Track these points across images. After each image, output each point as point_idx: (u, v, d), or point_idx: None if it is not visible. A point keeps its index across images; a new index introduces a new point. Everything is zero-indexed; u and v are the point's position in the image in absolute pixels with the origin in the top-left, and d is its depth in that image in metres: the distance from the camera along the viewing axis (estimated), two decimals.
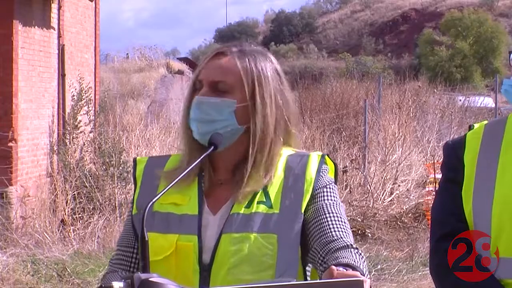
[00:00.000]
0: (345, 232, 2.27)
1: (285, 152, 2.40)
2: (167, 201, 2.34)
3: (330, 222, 2.27)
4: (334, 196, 2.34)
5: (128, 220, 2.43)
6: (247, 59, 2.36)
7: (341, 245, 2.21)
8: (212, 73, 2.33)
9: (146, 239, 2.01)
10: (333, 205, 2.32)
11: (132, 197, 2.45)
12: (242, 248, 2.25)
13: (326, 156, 2.41)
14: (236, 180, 2.34)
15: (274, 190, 2.33)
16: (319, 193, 2.33)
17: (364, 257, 2.21)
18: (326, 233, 2.25)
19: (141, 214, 2.29)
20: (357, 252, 2.19)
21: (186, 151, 2.38)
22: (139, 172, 2.45)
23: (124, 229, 2.45)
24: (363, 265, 2.14)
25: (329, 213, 2.29)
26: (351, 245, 2.22)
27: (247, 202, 2.31)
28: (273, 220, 2.28)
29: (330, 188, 2.35)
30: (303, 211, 2.30)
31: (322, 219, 2.28)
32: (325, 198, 2.33)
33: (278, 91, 2.38)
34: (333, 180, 2.39)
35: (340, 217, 2.30)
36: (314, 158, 2.38)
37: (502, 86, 2.50)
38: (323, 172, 2.37)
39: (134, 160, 2.49)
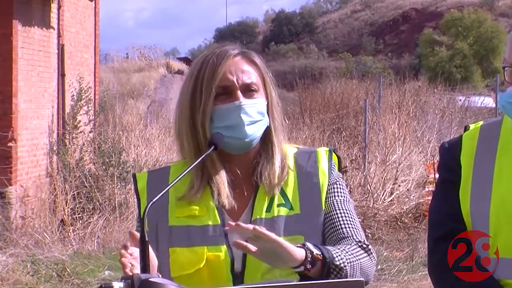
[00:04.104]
0: (356, 229, 2.30)
1: (289, 149, 2.40)
2: (182, 214, 2.30)
3: (341, 219, 2.30)
4: (344, 192, 2.36)
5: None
6: (257, 57, 2.37)
7: (352, 242, 2.25)
8: (241, 76, 2.30)
9: (147, 239, 2.00)
10: (344, 202, 2.35)
11: (138, 214, 2.38)
12: None
13: (333, 151, 2.43)
14: (254, 182, 2.33)
15: (290, 190, 2.33)
16: (330, 189, 2.35)
17: (368, 254, 2.23)
18: (338, 230, 2.28)
19: (153, 230, 2.28)
20: (361, 246, 2.23)
21: (193, 160, 2.27)
22: (142, 188, 2.38)
23: None
24: (349, 257, 2.16)
25: (340, 209, 2.32)
26: (362, 241, 2.26)
27: (267, 206, 2.30)
28: (296, 222, 2.29)
29: (340, 184, 2.37)
30: (323, 206, 2.32)
31: (333, 215, 2.31)
32: (336, 194, 2.35)
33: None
34: (341, 175, 2.42)
35: (351, 214, 2.33)
36: (323, 153, 2.39)
37: (499, 101, 2.48)
38: (333, 168, 2.38)
39: (134, 176, 2.41)
